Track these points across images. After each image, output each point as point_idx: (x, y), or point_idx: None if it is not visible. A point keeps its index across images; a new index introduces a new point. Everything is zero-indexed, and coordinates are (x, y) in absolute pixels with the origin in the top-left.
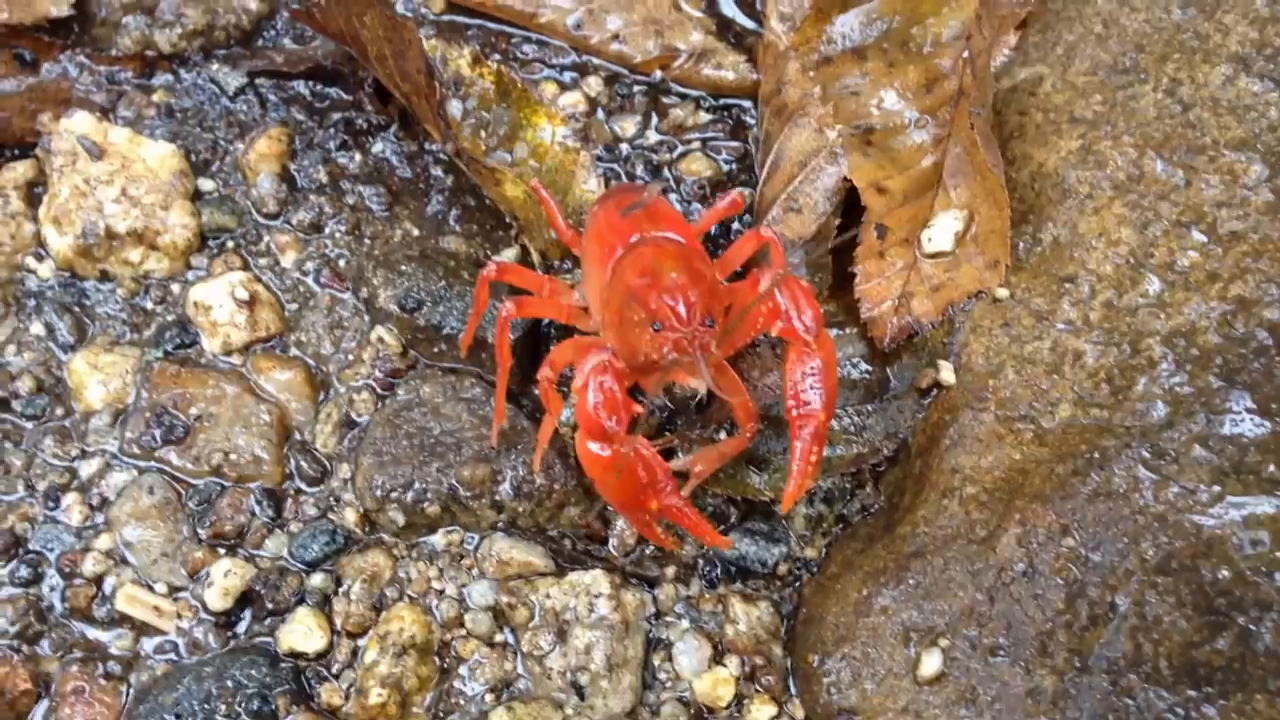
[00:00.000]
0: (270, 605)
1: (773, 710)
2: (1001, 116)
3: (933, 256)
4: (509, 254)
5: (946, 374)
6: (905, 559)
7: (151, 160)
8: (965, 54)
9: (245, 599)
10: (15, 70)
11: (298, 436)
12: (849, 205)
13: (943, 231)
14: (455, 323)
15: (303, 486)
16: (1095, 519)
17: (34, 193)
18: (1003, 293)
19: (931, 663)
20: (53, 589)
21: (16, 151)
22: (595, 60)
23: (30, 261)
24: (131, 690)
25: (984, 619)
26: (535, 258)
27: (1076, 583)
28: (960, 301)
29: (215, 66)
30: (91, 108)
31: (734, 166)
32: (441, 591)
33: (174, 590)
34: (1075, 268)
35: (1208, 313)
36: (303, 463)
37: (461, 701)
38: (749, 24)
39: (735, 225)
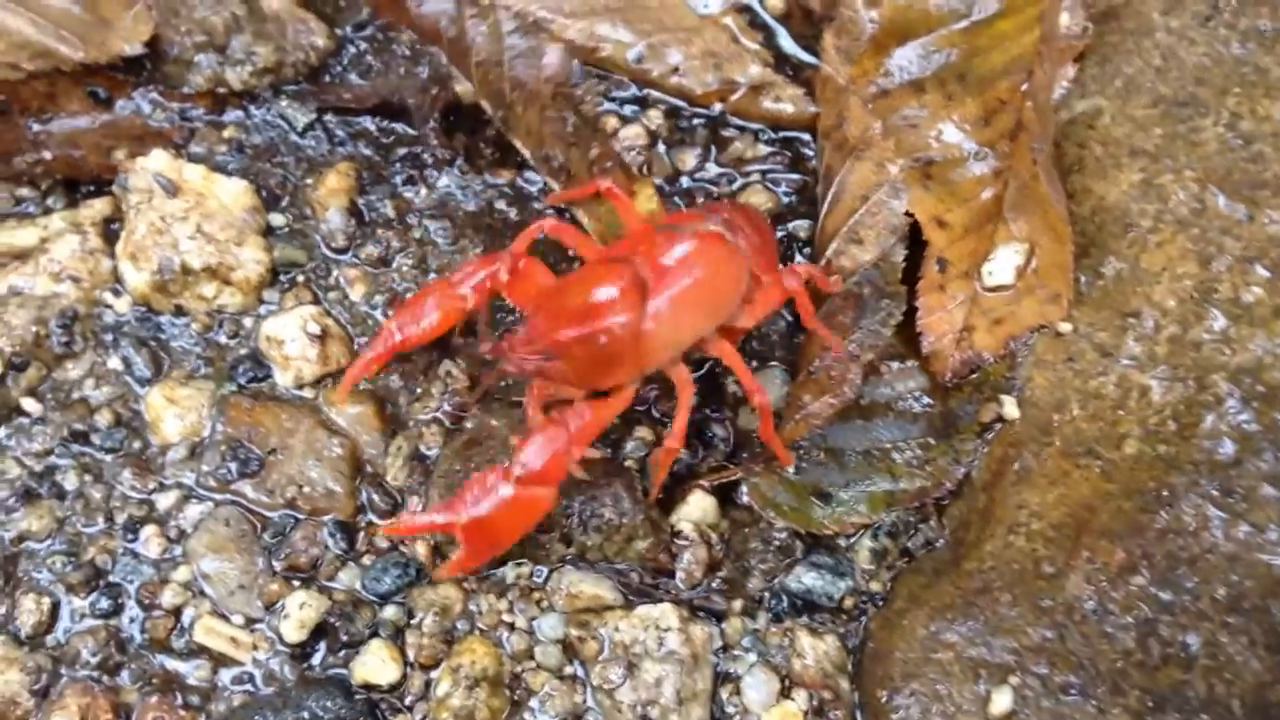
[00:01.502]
0: (344, 637)
1: None
2: (1060, 149)
3: (994, 290)
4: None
5: (1010, 408)
6: (972, 595)
7: (225, 197)
8: (1024, 86)
9: (320, 631)
10: (90, 107)
11: (369, 469)
12: (911, 239)
13: (1003, 265)
14: None
15: (374, 519)
16: (1165, 557)
17: (110, 229)
18: (1065, 327)
19: (1002, 700)
20: (132, 620)
21: (93, 188)
22: (655, 93)
23: (108, 296)
24: None
25: (1055, 657)
26: None
27: (1147, 622)
28: (1022, 335)
29: (284, 103)
30: (164, 142)
31: (794, 199)
32: (512, 624)
33: (250, 622)
34: (1139, 302)
35: (1273, 349)
36: (374, 495)
37: None
38: (806, 57)
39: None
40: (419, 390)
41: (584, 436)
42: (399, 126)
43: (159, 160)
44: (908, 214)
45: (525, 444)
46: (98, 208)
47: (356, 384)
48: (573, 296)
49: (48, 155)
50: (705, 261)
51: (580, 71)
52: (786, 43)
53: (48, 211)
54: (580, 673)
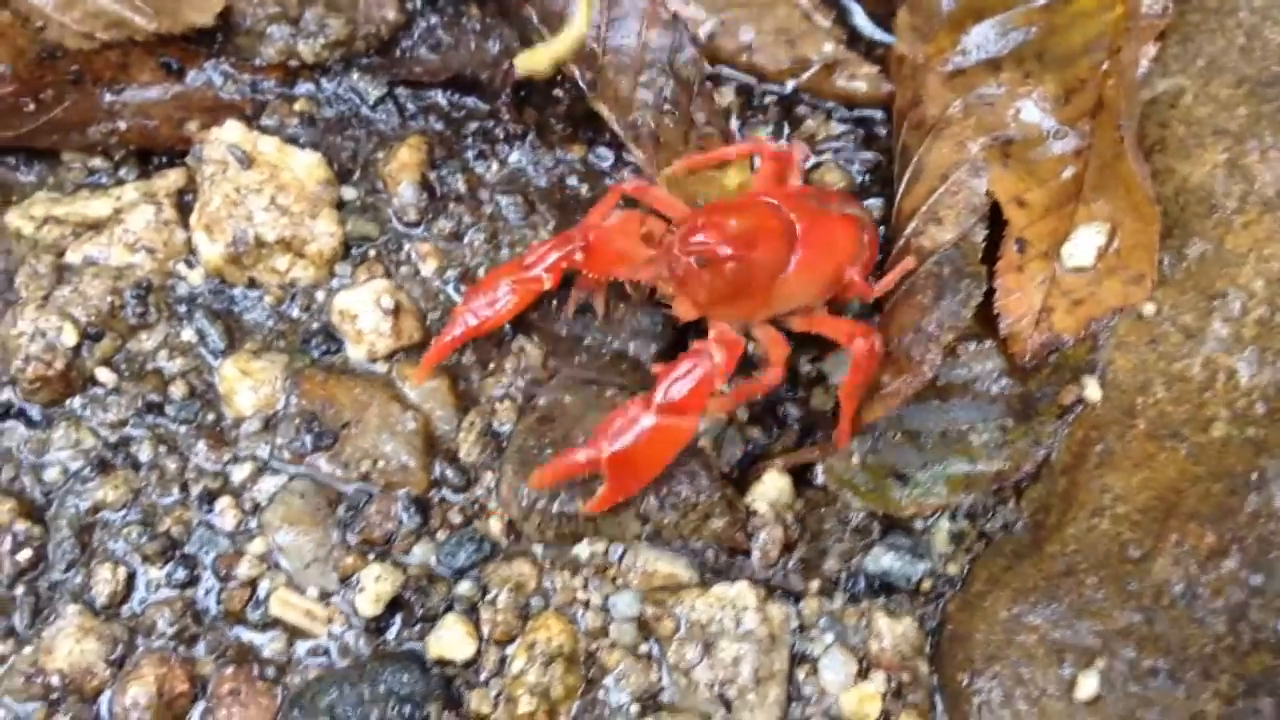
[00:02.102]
0: (419, 612)
1: None
2: (1142, 128)
3: (1074, 271)
4: None
5: (1092, 390)
6: (1056, 578)
7: (299, 170)
8: (1104, 65)
9: (395, 605)
10: (162, 78)
11: (442, 445)
12: (991, 219)
13: (1084, 246)
14: (597, 334)
15: (448, 494)
16: (1256, 540)
17: (184, 200)
18: (1149, 309)
19: (1089, 684)
20: (208, 592)
21: (165, 159)
22: (727, 70)
23: (181, 268)
24: (286, 693)
25: (1142, 641)
26: None
27: (1238, 606)
28: (1103, 317)
29: (356, 76)
30: (236, 113)
31: (867, 177)
32: (586, 602)
33: (325, 595)
34: (1225, 284)
35: None
36: (448, 471)
37: (607, 712)
38: (880, 35)
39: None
40: (491, 366)
41: (724, 370)
42: (470, 101)
43: (234, 131)
44: (988, 193)
45: (667, 374)
46: (172, 179)
47: (433, 367)
48: (738, 219)
49: (121, 125)
50: (843, 238)
51: (684, 38)
52: (860, 20)
53: (120, 182)
54: (656, 651)
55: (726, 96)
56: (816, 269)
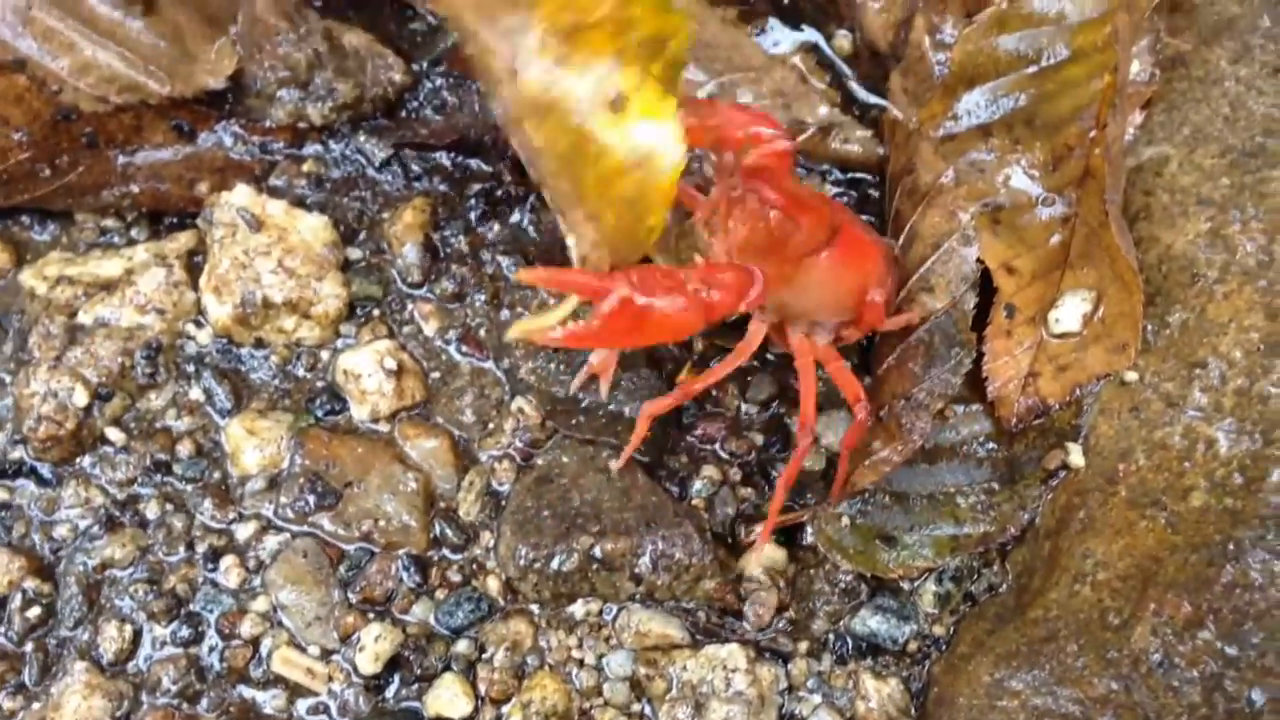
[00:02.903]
0: (418, 670)
1: None
2: (1126, 196)
3: (1060, 336)
4: None
5: (1075, 456)
6: (1038, 643)
7: (306, 232)
8: (1092, 132)
9: (394, 663)
10: (174, 140)
11: (442, 504)
12: (981, 284)
13: (1070, 312)
14: (593, 395)
15: (447, 553)
16: (1231, 611)
17: (194, 262)
18: (1131, 376)
19: None
20: (212, 649)
21: (175, 220)
22: None
23: (190, 328)
24: None
25: (1121, 709)
26: None
27: (1213, 676)
28: (1087, 383)
29: (363, 138)
30: (245, 174)
31: None
32: (581, 661)
33: (326, 653)
34: (1205, 353)
35: None
36: (447, 530)
37: None
38: (873, 99)
39: None
40: (491, 426)
41: (759, 299)
42: (473, 162)
43: (243, 195)
44: (979, 261)
45: (714, 270)
46: (182, 241)
47: None
48: (795, 183)
49: (134, 188)
50: (872, 259)
51: None
52: (854, 82)
53: (132, 243)
54: (648, 710)
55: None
56: (843, 274)
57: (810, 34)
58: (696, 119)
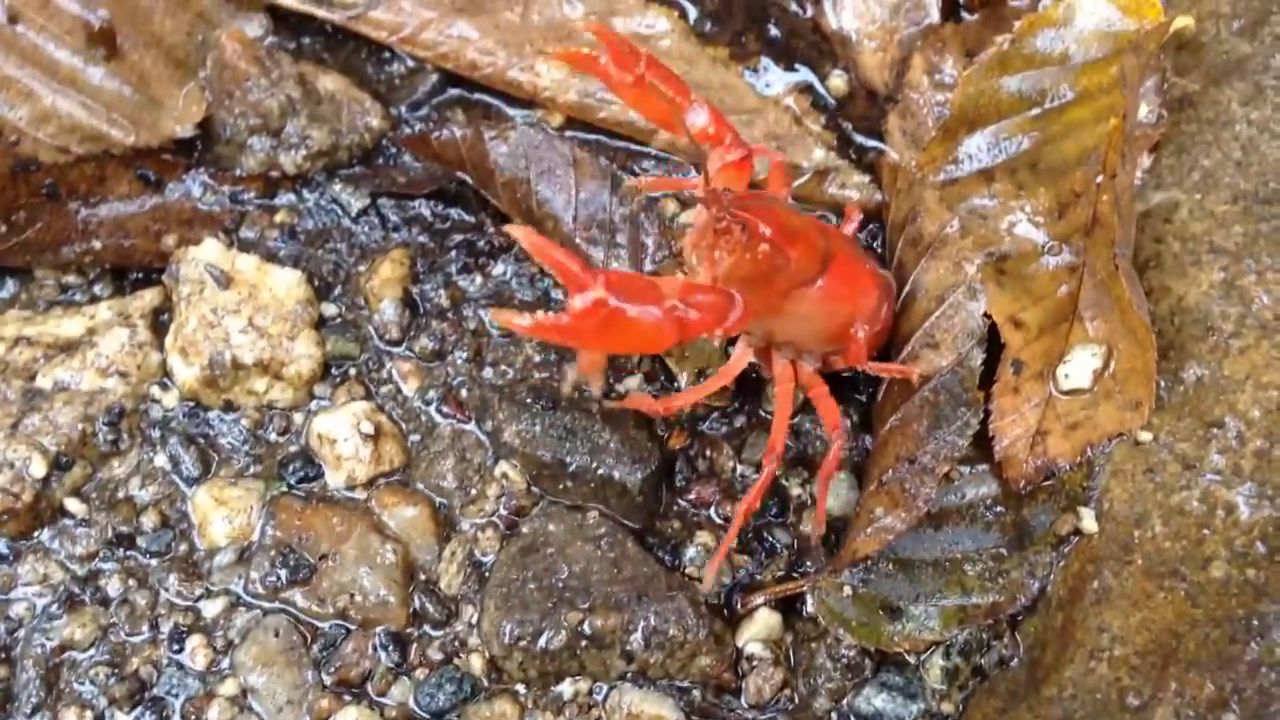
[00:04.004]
0: None
1: None
2: (1136, 243)
3: (1069, 393)
4: (632, 382)
5: (1088, 521)
6: None
7: (278, 289)
8: (1098, 178)
9: None
10: (140, 190)
11: (422, 576)
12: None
13: (1080, 368)
14: (581, 458)
15: (428, 630)
16: (1257, 692)
17: (160, 320)
18: (1145, 436)
19: None
20: None
21: (140, 276)
22: None
23: (155, 391)
24: None
25: None
26: None
27: None
28: (1099, 443)
29: (338, 187)
30: (215, 225)
31: None
32: None
33: None
34: (1222, 411)
35: None
36: (428, 604)
37: None
38: (869, 142)
39: None
40: (474, 492)
41: (739, 323)
42: (454, 212)
43: (211, 250)
44: (986, 315)
45: (696, 290)
46: (147, 299)
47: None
48: (786, 214)
49: (96, 244)
50: (866, 292)
51: (611, 175)
52: (849, 125)
53: (95, 300)
54: None
55: None
56: (833, 306)
57: (804, 74)
58: (681, 100)
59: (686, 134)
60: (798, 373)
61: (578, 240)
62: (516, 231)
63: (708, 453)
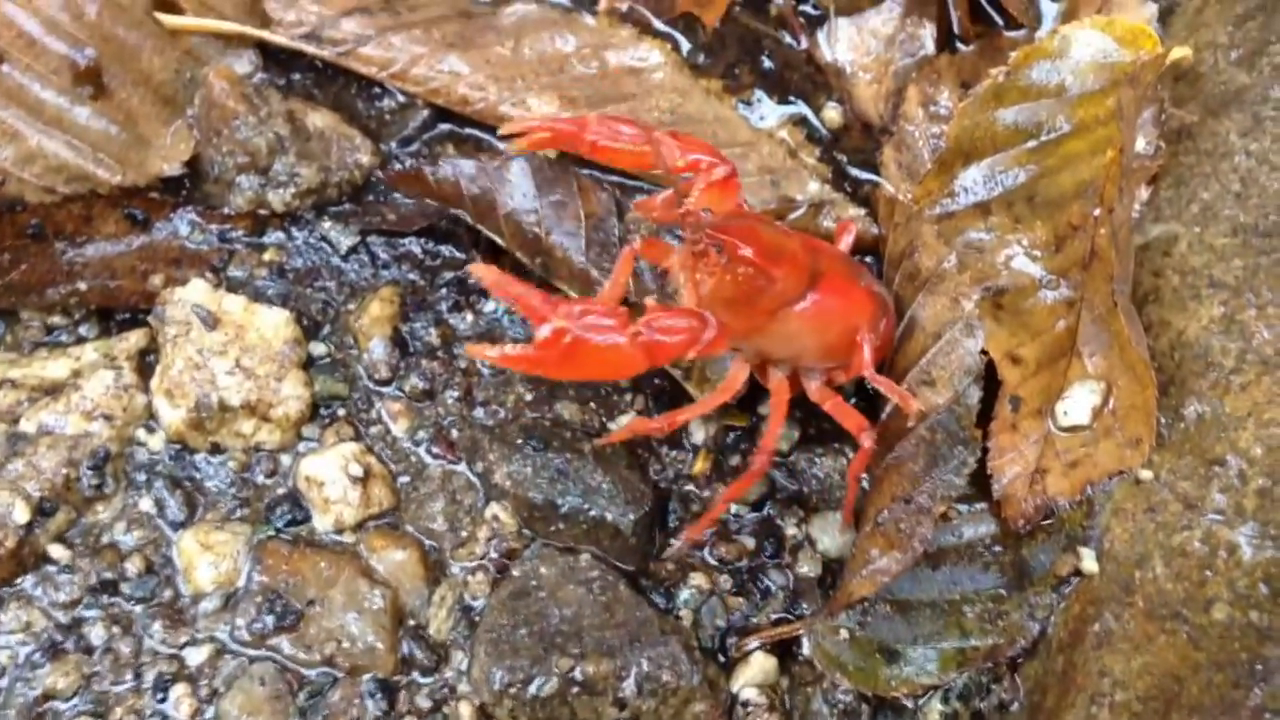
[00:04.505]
0: None
1: None
2: (1135, 276)
3: (1068, 430)
4: (624, 419)
5: (1089, 562)
6: None
7: (266, 329)
8: (1095, 211)
9: None
10: (127, 230)
11: (411, 621)
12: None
13: (1079, 404)
14: (574, 500)
15: (417, 677)
16: None
17: (146, 362)
18: (1146, 474)
19: None
20: None
21: (128, 317)
22: None
23: (141, 433)
24: None
25: None
26: None
27: None
28: (1099, 481)
29: (328, 225)
30: (202, 264)
31: None
32: None
33: None
34: (1224, 449)
35: None
36: (417, 651)
37: None
38: (865, 175)
39: None
40: (464, 534)
41: (716, 343)
42: (445, 249)
43: (198, 291)
44: (983, 352)
45: (662, 314)
46: (133, 340)
47: (525, 134)
48: (771, 234)
49: (82, 286)
50: (861, 307)
51: (616, 202)
52: (844, 157)
53: (81, 340)
54: None
55: None
56: (826, 322)
57: (798, 106)
58: (644, 146)
59: (666, 171)
60: (806, 388)
61: (592, 272)
62: (478, 270)
63: (702, 492)
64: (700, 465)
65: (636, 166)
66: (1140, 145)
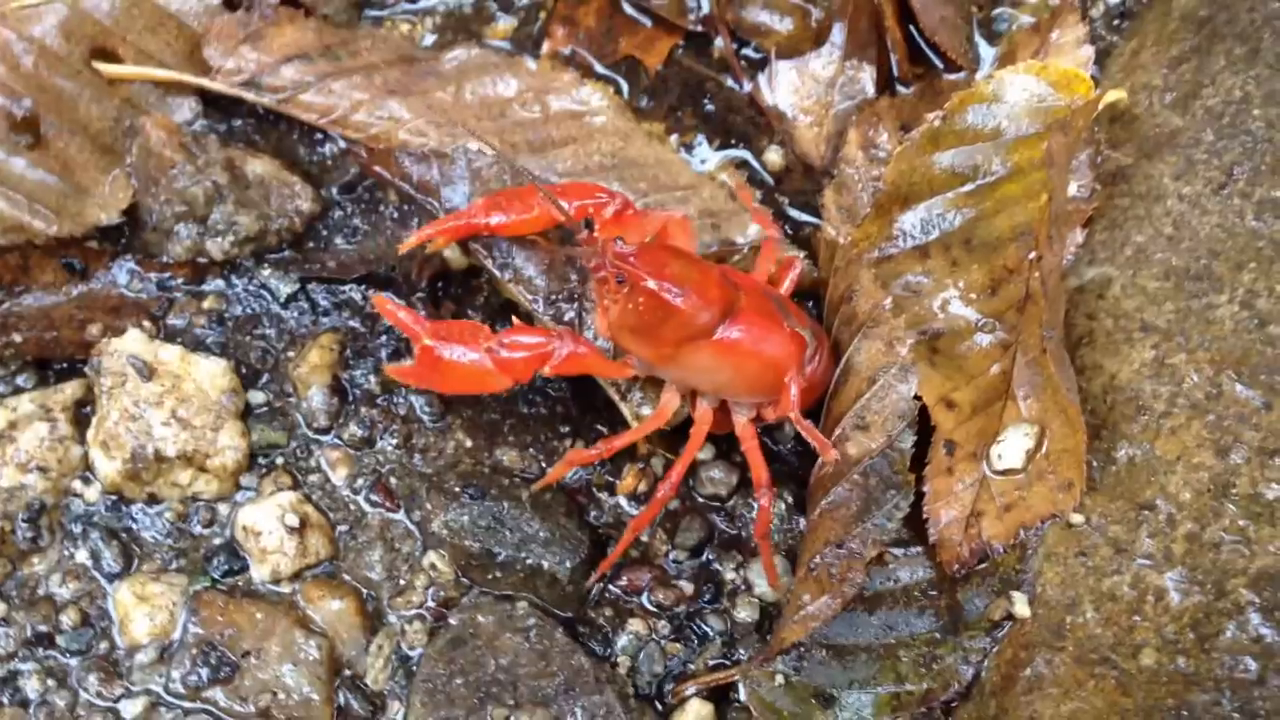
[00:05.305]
0: None
1: None
2: (1069, 319)
3: (1003, 473)
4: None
5: (1021, 606)
6: None
7: (203, 379)
8: (1031, 255)
9: None
10: (65, 279)
11: (347, 671)
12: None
13: (1013, 447)
14: (510, 548)
15: None
16: None
17: (82, 413)
18: (1078, 518)
19: None
20: None
21: (65, 366)
22: None
23: (77, 485)
24: None
25: None
26: None
27: None
28: (1033, 524)
29: (267, 272)
30: (141, 313)
31: None
32: None
33: None
34: (1153, 493)
35: None
36: (353, 701)
37: None
38: (805, 217)
39: None
40: (402, 583)
41: (571, 363)
42: (385, 295)
43: (133, 341)
44: (916, 397)
45: (520, 330)
46: (69, 392)
47: (422, 244)
48: (681, 265)
49: (18, 337)
50: (782, 347)
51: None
52: (786, 200)
53: (17, 391)
54: None
55: None
56: (741, 358)
57: (740, 150)
58: (532, 212)
59: (566, 224)
60: (733, 422)
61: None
62: (375, 297)
63: (641, 538)
64: (629, 482)
65: (539, 229)
66: (1074, 189)
